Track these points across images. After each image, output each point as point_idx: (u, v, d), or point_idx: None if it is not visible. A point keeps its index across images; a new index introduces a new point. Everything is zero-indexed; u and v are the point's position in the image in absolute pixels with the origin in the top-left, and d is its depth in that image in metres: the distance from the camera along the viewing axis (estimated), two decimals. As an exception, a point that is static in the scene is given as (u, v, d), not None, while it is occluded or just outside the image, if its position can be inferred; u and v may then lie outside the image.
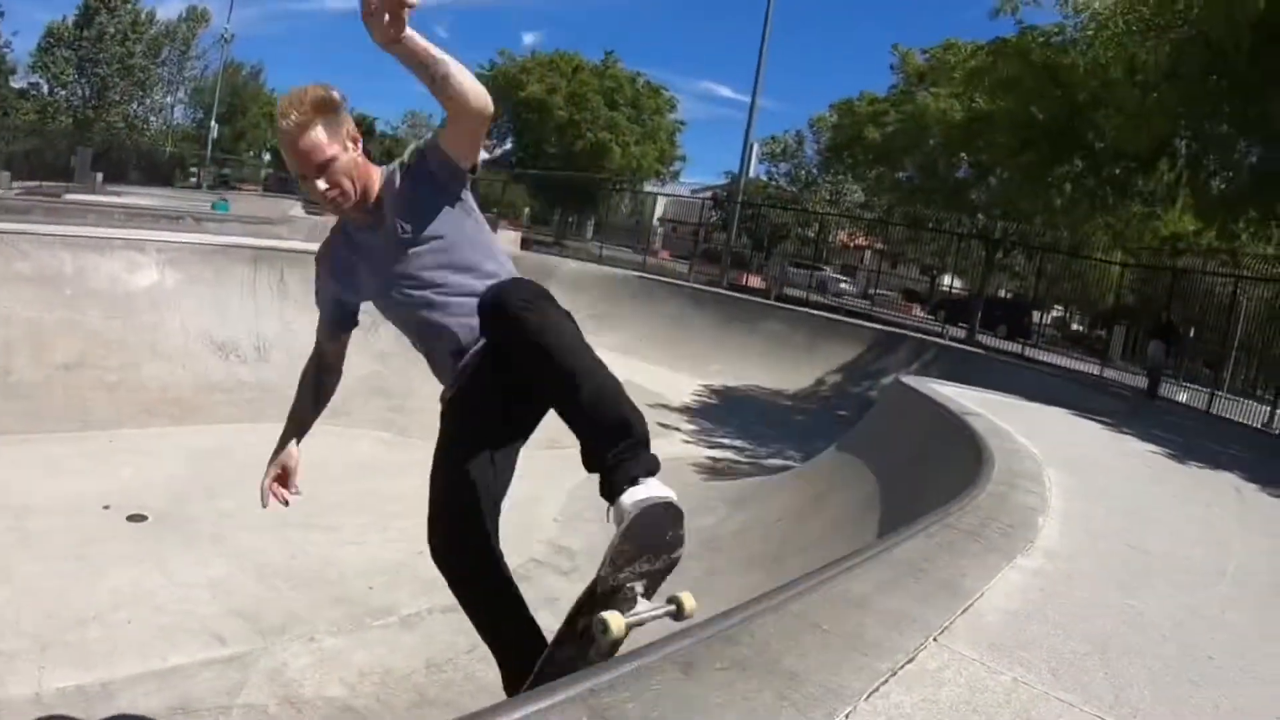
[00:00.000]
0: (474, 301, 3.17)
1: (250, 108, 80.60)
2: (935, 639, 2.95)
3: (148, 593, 6.15)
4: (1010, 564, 3.96)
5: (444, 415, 3.47)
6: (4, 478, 8.09)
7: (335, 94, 3.29)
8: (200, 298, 12.03)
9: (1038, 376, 18.51)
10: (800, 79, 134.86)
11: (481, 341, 3.28)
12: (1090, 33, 19.90)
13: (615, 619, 2.74)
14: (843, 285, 40.33)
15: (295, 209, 46.39)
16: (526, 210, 58.84)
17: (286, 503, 3.60)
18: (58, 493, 7.88)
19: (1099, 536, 4.88)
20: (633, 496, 2.81)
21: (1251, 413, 17.87)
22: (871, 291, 36.22)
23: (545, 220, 54.65)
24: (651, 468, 2.92)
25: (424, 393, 10.51)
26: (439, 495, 3.34)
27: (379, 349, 12.18)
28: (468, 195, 3.42)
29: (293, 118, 3.12)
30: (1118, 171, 22.14)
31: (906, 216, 35.61)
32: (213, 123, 65.20)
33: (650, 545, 2.88)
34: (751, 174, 41.17)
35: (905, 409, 9.30)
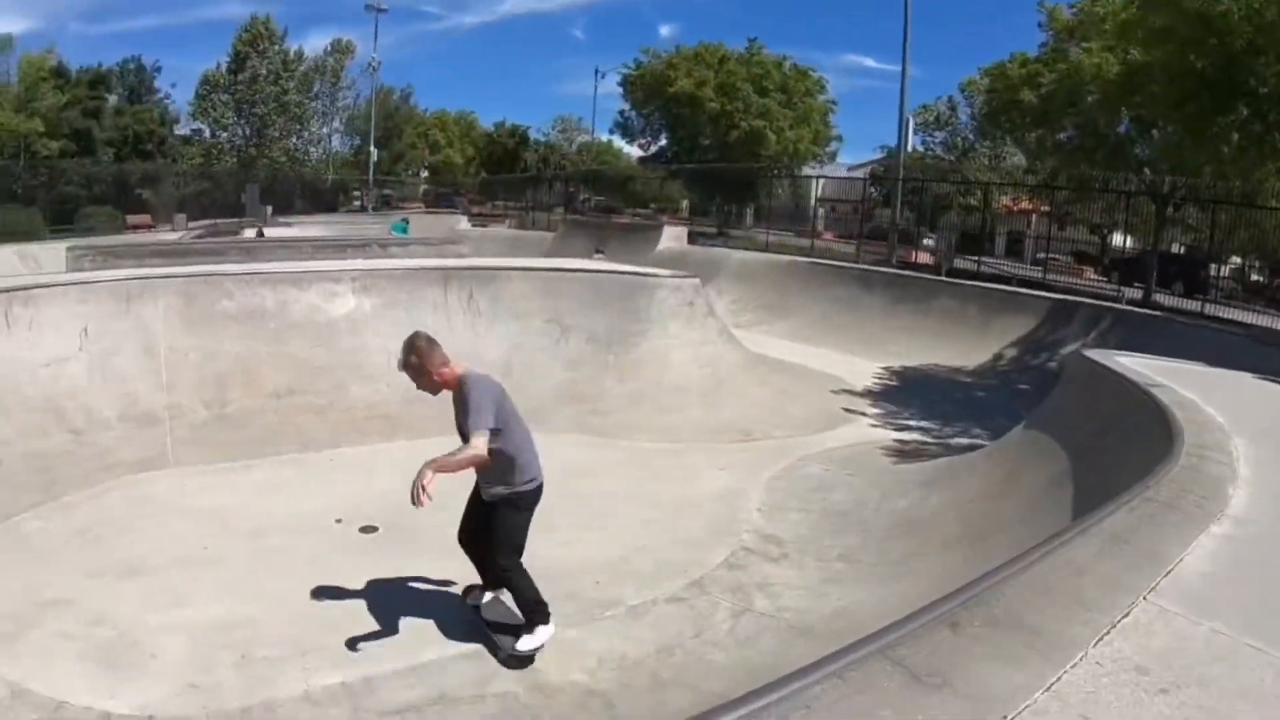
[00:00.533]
0: None
1: (404, 130, 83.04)
2: (1145, 598, 3.55)
3: (390, 596, 6.70)
4: (1204, 532, 4.40)
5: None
6: (237, 501, 8.82)
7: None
8: (396, 320, 12.43)
9: (1219, 337, 17.80)
10: (945, 42, 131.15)
11: None
12: (1242, -27, 19.16)
13: None
14: None
15: (462, 223, 47.65)
16: (685, 203, 59.16)
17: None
18: (289, 511, 8.56)
19: (1287, 504, 5.10)
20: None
21: None
22: (1041, 256, 35.40)
23: (704, 211, 54.78)
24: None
25: (615, 394, 11.08)
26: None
27: (570, 357, 12.83)
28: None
29: (402, 361, 6.09)
30: (1285, 115, 21.22)
31: (1072, 179, 34.70)
32: (371, 148, 67.23)
33: None
34: (909, 149, 40.65)
35: (1089, 383, 9.29)
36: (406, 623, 6.32)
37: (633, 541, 7.92)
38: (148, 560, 7.33)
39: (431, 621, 6.35)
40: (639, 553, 7.61)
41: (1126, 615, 3.34)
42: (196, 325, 11.58)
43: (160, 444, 10.19)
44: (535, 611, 5.95)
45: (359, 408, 11.58)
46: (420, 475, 5.42)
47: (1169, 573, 3.80)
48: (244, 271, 12.99)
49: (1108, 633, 3.19)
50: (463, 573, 7.00)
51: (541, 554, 7.42)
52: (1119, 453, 6.98)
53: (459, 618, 6.38)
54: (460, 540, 6.48)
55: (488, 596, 6.46)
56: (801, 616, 6.46)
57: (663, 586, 6.94)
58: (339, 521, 8.33)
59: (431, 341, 6.03)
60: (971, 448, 11.50)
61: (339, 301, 12.62)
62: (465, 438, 5.87)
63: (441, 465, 5.51)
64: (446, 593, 6.82)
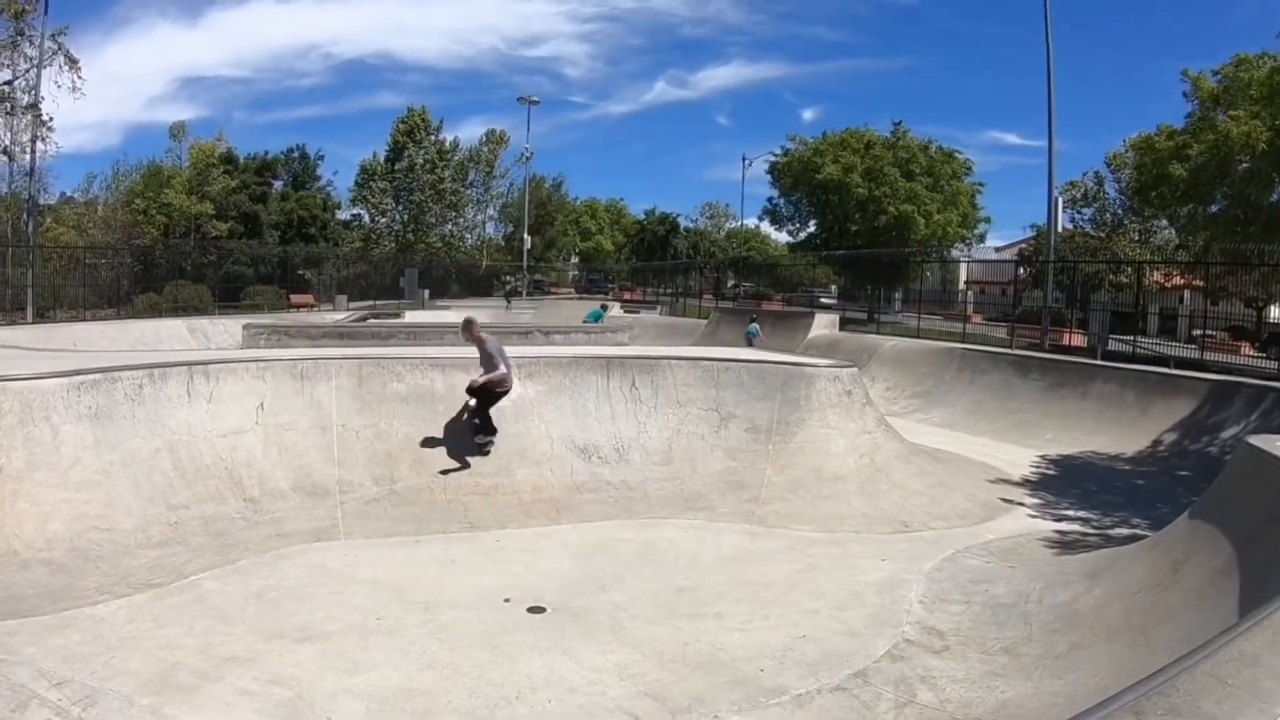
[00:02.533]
0: None
1: (556, 217, 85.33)
2: None
3: (560, 676, 6.90)
4: None
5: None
6: (408, 575, 9.21)
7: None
8: (560, 406, 13.06)
9: None
10: (1088, 115, 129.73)
11: None
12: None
13: None
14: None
15: (615, 309, 48.41)
16: (834, 288, 59.19)
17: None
18: (459, 588, 8.88)
19: None
20: None
21: None
22: (1196, 334, 34.48)
23: (853, 297, 54.65)
24: None
25: (774, 482, 11.29)
26: None
27: (730, 445, 13.08)
28: None
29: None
30: None
31: (1225, 252, 33.88)
32: (525, 234, 68.97)
33: None
34: (1059, 228, 40.12)
35: (1255, 471, 9.13)
36: (576, 702, 6.51)
37: (796, 630, 7.98)
38: (323, 626, 7.73)
39: (603, 703, 6.52)
40: (803, 641, 7.69)
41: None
42: (368, 404, 12.28)
43: (332, 516, 10.77)
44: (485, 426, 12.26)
45: (525, 490, 11.96)
46: (472, 383, 12.16)
47: None
48: (414, 356, 13.64)
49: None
50: (630, 659, 7.28)
51: (708, 640, 7.70)
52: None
53: (627, 702, 6.54)
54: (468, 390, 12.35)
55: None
56: (966, 710, 6.47)
57: (826, 676, 6.99)
58: (507, 600, 8.58)
59: (473, 322, 13.02)
60: (1133, 538, 11.27)
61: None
62: (489, 368, 12.26)
63: (486, 380, 12.12)
64: (615, 676, 6.98)
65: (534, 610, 8.40)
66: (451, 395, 12.71)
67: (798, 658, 7.14)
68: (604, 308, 43.54)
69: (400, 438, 12.13)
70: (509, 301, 44.21)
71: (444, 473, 11.93)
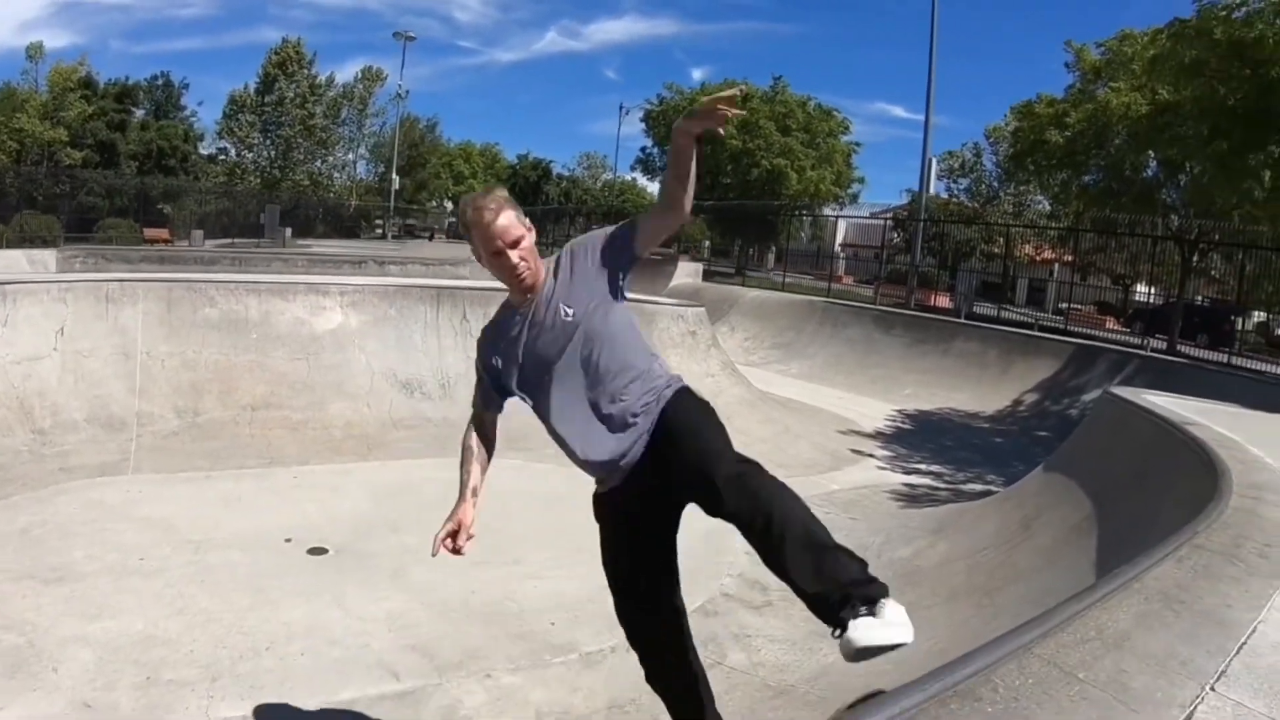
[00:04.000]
0: (631, 411, 3.61)
1: (429, 159, 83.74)
2: (1212, 687, 2.44)
3: (323, 625, 6.04)
4: (1277, 589, 3.34)
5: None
6: (188, 513, 8.17)
7: None
8: (384, 338, 12.15)
9: (1250, 385, 17.32)
10: (973, 92, 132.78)
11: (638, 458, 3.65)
12: (1276, 1, 18.62)
13: None
14: None
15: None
16: (706, 243, 58.91)
17: (458, 551, 3.70)
18: (239, 527, 7.91)
19: (1368, 552, 4.21)
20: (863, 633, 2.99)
21: None
22: (1063, 306, 34.86)
23: (725, 252, 54.51)
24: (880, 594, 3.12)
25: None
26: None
27: (562, 382, 12.13)
28: (626, 292, 3.76)
29: (491, 205, 3.55)
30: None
31: (1096, 223, 34.16)
32: (394, 175, 67.64)
33: None
34: (931, 191, 40.32)
35: (1118, 423, 8.60)
36: (333, 655, 5.61)
37: (602, 580, 7.10)
38: (80, 566, 6.73)
39: (362, 656, 5.64)
40: (606, 593, 6.82)
41: (1188, 719, 2.30)
42: (177, 331, 11.16)
43: (125, 450, 9.70)
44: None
45: (336, 426, 11.02)
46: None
47: (1241, 647, 2.72)
48: (229, 279, 12.58)
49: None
50: (406, 607, 6.37)
51: (499, 589, 6.80)
52: (1154, 496, 6.23)
53: (390, 656, 5.65)
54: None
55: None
56: (780, 674, 5.71)
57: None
58: (288, 541, 7.64)
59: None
60: (985, 494, 10.91)
61: (325, 316, 12.11)
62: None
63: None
64: (384, 626, 6.10)
65: (315, 551, 7.45)
66: (266, 322, 11.66)
67: (596, 611, 6.21)
68: None
69: (209, 366, 11.05)
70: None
71: (252, 407, 10.86)
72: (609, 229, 3.73)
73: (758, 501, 3.18)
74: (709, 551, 7.88)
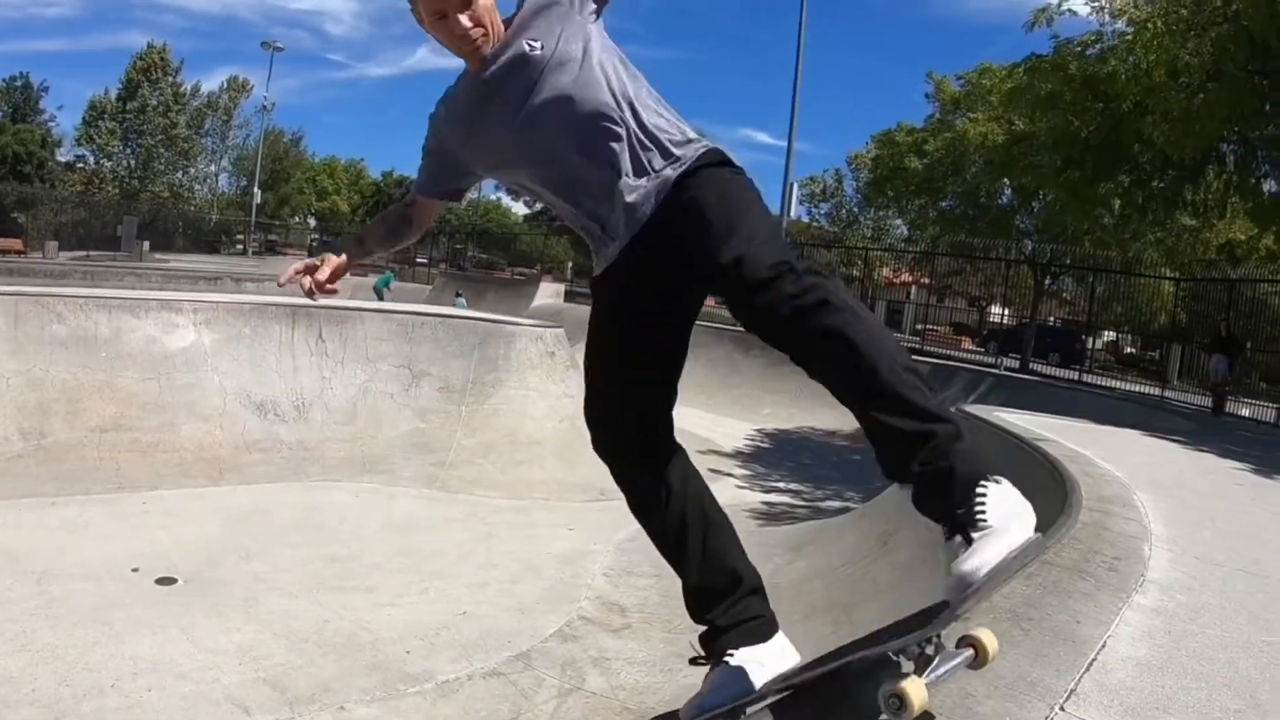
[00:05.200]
0: (629, 139, 2.89)
1: (293, 174, 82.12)
2: (1061, 707, 2.43)
3: (170, 660, 5.74)
4: (1126, 603, 3.42)
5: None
6: (29, 542, 7.78)
7: None
8: (238, 357, 11.77)
9: (1098, 400, 18.16)
10: (837, 121, 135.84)
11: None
12: (1129, 38, 19.49)
13: (916, 691, 2.12)
14: None
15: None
16: (569, 264, 58.96)
17: (310, 294, 3.06)
18: (84, 557, 7.54)
19: (1213, 564, 4.37)
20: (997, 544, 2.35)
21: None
22: (920, 327, 35.73)
23: (588, 273, 54.73)
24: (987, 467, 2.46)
25: (467, 447, 10.28)
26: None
27: (421, 405, 12.02)
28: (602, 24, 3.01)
29: None
30: (1165, 183, 21.63)
31: (953, 247, 35.15)
32: (255, 189, 66.46)
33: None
34: (792, 215, 40.88)
35: (971, 440, 8.82)
36: (181, 691, 5.34)
37: (458, 606, 7.03)
38: None
39: (210, 691, 5.38)
40: (462, 619, 6.73)
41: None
42: (23, 348, 10.57)
43: None
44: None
45: (187, 448, 10.65)
46: None
47: (1090, 664, 2.73)
48: (78, 294, 11.96)
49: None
50: (257, 639, 6.13)
51: (352, 618, 6.61)
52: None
53: (240, 691, 5.42)
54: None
55: None
56: (639, 697, 5.63)
57: (482, 659, 6.03)
58: (135, 570, 7.30)
59: None
60: (844, 510, 11.06)
61: (178, 334, 11.65)
62: None
63: None
64: (235, 659, 5.85)
65: (163, 581, 7.14)
66: (116, 340, 11.14)
67: (452, 638, 6.12)
68: (390, 271, 42.06)
69: (56, 386, 10.51)
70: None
71: (101, 429, 10.40)
72: None
73: None
74: (566, 575, 7.85)
